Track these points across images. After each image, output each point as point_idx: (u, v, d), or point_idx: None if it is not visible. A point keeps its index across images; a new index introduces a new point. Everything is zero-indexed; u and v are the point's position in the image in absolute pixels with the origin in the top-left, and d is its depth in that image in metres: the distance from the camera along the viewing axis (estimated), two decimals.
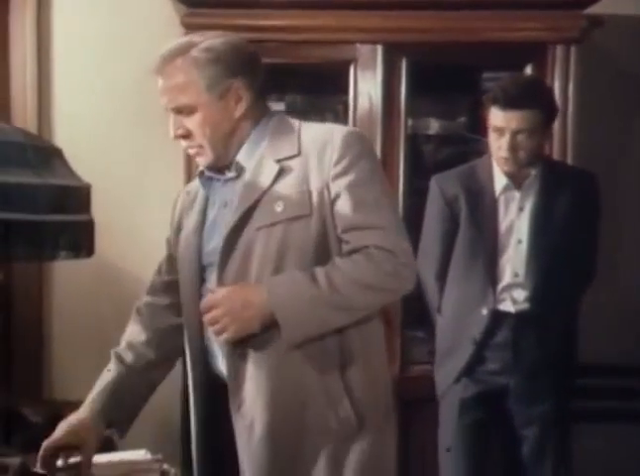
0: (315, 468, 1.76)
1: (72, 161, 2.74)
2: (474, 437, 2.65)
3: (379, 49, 2.95)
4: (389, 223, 1.74)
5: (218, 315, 1.73)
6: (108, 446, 2.81)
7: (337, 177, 1.74)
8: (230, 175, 1.85)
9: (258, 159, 1.82)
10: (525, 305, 2.59)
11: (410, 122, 3.07)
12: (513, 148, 2.51)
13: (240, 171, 1.83)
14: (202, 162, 1.86)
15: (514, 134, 2.50)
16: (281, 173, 1.77)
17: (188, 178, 2.95)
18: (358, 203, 1.73)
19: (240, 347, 1.77)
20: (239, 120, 1.83)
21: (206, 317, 1.76)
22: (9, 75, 3.28)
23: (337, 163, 1.74)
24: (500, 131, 2.52)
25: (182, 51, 1.80)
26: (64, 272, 3.32)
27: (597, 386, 3.03)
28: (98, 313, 3.33)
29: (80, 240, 2.68)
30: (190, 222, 1.93)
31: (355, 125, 2.97)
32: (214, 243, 1.84)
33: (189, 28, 2.96)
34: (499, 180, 2.61)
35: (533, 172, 2.60)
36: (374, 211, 1.74)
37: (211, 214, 1.89)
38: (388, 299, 1.80)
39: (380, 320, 1.87)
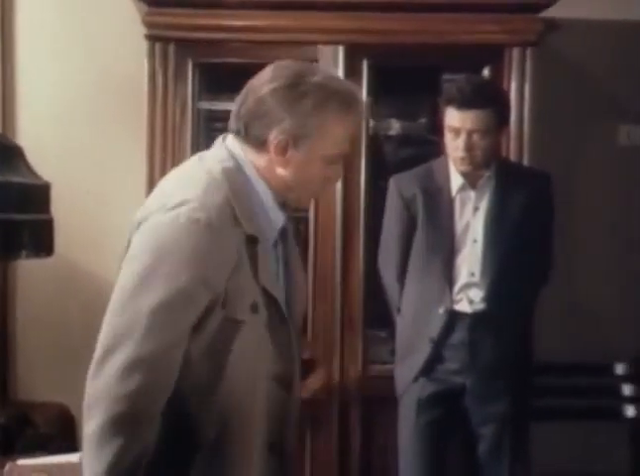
0: None
1: (34, 160, 2.73)
2: (431, 436, 2.66)
3: (341, 50, 2.96)
4: None
5: None
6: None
7: None
8: None
9: None
10: (481, 305, 2.61)
11: (372, 123, 3.09)
12: (469, 147, 2.53)
13: None
14: None
15: (470, 134, 2.52)
16: None
17: (150, 178, 2.94)
18: None
19: None
20: None
21: None
22: None
23: None
24: (456, 131, 2.54)
25: None
26: (28, 272, 3.30)
27: (554, 384, 3.07)
28: (63, 313, 3.32)
29: (40, 239, 2.68)
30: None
31: None
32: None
33: (151, 27, 2.97)
34: (455, 181, 2.64)
35: (487, 172, 2.63)
36: None
37: None
38: None
39: None
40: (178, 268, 1.52)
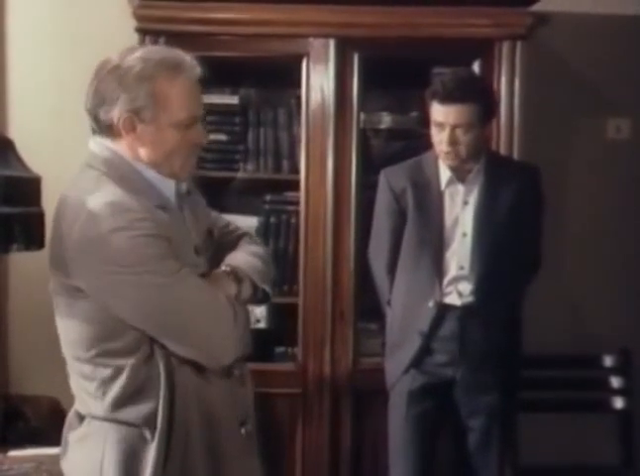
0: None
1: (25, 153, 2.73)
2: (421, 427, 2.68)
3: (332, 43, 2.97)
4: None
5: None
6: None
7: None
8: None
9: None
10: (470, 299, 2.62)
11: (362, 116, 3.09)
12: (453, 142, 2.54)
13: None
14: None
15: (453, 128, 2.53)
16: None
17: None
18: None
19: None
20: None
21: None
22: None
23: None
24: (440, 125, 2.55)
25: None
26: (19, 266, 3.30)
27: (542, 376, 3.09)
28: (53, 308, 3.31)
29: (31, 232, 2.67)
30: None
31: (307, 119, 3.00)
32: None
33: (141, 20, 2.96)
34: (444, 174, 2.65)
35: (476, 166, 2.64)
36: None
37: None
38: None
39: None
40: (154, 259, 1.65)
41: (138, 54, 1.71)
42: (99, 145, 1.74)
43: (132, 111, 1.67)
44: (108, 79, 1.68)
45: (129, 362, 1.68)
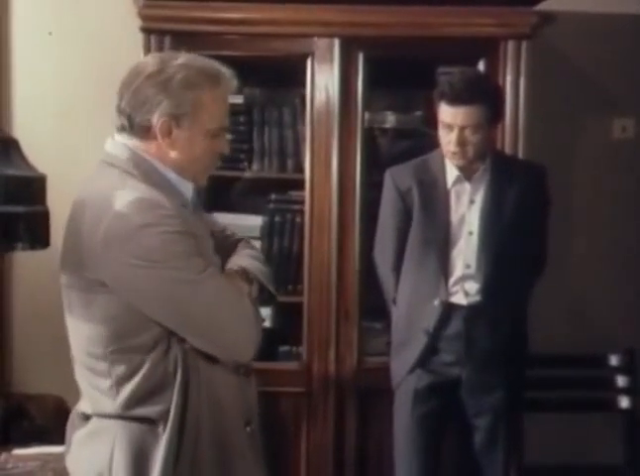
0: None
1: (30, 151, 2.73)
2: (427, 427, 2.68)
3: (337, 42, 2.97)
4: None
5: None
6: None
7: None
8: None
9: None
10: (476, 298, 2.62)
11: (367, 115, 3.09)
12: (461, 143, 2.54)
13: None
14: None
15: (462, 129, 2.53)
16: None
17: None
18: None
19: None
20: None
21: None
22: None
23: None
24: (449, 126, 2.55)
25: None
26: (24, 265, 3.30)
27: (548, 376, 3.08)
28: (58, 306, 3.28)
29: (36, 231, 2.68)
30: None
31: (312, 118, 3.00)
32: None
33: (147, 19, 2.97)
34: (451, 173, 2.65)
35: (483, 165, 2.64)
36: None
37: None
38: None
39: None
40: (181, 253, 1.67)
41: (179, 61, 1.73)
42: (119, 144, 1.75)
43: (172, 116, 1.70)
44: (148, 84, 1.70)
45: (146, 359, 1.69)
